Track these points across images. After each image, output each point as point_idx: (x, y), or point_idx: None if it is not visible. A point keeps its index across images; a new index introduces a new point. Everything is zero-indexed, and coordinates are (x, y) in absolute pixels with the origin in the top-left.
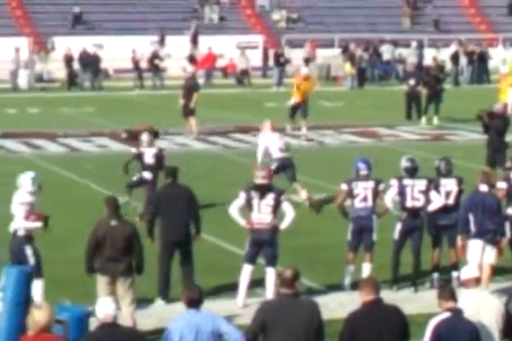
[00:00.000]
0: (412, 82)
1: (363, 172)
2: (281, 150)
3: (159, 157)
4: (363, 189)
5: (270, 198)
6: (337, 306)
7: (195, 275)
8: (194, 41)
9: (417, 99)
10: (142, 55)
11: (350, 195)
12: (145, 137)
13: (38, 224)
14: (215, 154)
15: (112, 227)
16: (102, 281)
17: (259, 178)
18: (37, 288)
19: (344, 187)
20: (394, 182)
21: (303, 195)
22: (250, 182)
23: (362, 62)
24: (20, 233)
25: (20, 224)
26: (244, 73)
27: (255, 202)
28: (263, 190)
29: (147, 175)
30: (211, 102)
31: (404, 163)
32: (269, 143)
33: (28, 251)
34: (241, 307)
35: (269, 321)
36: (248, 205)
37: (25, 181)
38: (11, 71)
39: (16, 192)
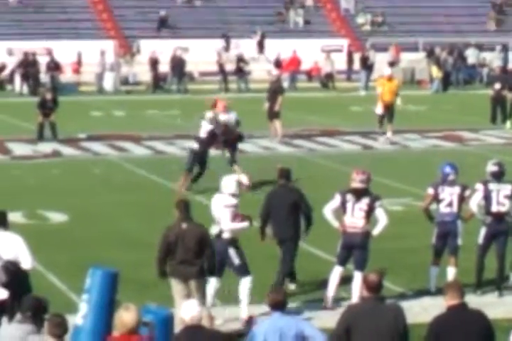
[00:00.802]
0: (497, 85)
1: (450, 177)
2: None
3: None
4: (449, 194)
5: (364, 203)
6: (421, 310)
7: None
8: (260, 46)
9: (503, 103)
10: (227, 58)
11: (436, 199)
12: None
13: (246, 224)
14: (299, 157)
15: (183, 230)
16: (176, 285)
17: (356, 182)
18: (245, 285)
19: (430, 191)
20: (479, 187)
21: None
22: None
23: (447, 66)
24: (226, 235)
25: (228, 226)
26: (329, 77)
27: (349, 205)
28: (358, 194)
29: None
30: (296, 105)
31: (491, 167)
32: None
33: (232, 251)
34: (329, 307)
35: (353, 325)
36: (342, 208)
37: (230, 184)
38: (96, 74)
39: (216, 195)
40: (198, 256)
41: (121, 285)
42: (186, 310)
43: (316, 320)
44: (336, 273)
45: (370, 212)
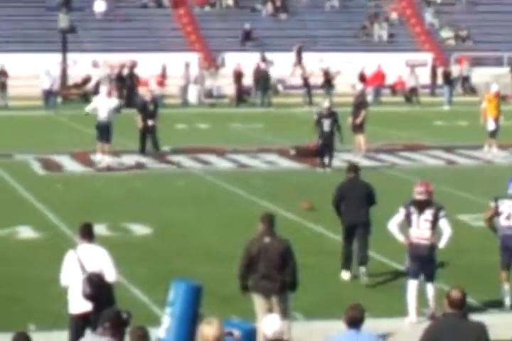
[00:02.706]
0: None
1: (510, 190)
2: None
3: None
4: (508, 207)
5: (429, 213)
6: (505, 328)
7: None
8: (299, 59)
9: None
10: (312, 71)
11: (496, 212)
12: None
13: None
14: (382, 172)
15: (265, 244)
16: (257, 299)
17: (418, 194)
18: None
19: (492, 203)
20: None
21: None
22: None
23: None
24: None
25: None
26: (413, 91)
27: (414, 217)
28: (422, 206)
29: None
30: (379, 120)
31: None
32: (100, 104)
33: None
34: (414, 324)
35: None
36: (407, 220)
37: None
38: (181, 86)
39: None
40: (280, 271)
41: (204, 298)
42: (268, 325)
43: (397, 337)
44: (413, 287)
45: (435, 223)
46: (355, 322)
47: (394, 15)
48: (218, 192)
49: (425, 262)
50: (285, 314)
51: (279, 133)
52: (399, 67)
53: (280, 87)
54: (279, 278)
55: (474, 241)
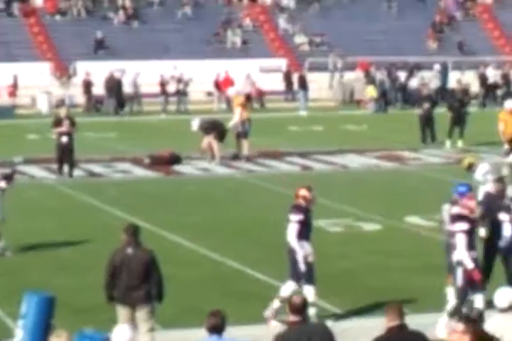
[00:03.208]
0: (426, 105)
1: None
2: None
3: None
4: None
5: None
6: (360, 332)
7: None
8: None
9: (431, 123)
10: (170, 78)
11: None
12: None
13: None
14: (238, 179)
15: (128, 255)
16: (121, 310)
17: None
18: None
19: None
20: None
21: None
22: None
23: (384, 86)
24: None
25: None
26: (249, 97)
27: None
28: None
29: None
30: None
31: None
32: None
33: None
34: None
35: None
36: None
37: None
38: (32, 97)
39: None
40: (144, 282)
41: (57, 310)
42: (117, 335)
43: None
44: None
45: None
46: (215, 329)
47: (247, 22)
48: (72, 202)
49: None
50: (150, 325)
51: (132, 141)
52: (253, 73)
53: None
54: (144, 289)
55: (332, 246)
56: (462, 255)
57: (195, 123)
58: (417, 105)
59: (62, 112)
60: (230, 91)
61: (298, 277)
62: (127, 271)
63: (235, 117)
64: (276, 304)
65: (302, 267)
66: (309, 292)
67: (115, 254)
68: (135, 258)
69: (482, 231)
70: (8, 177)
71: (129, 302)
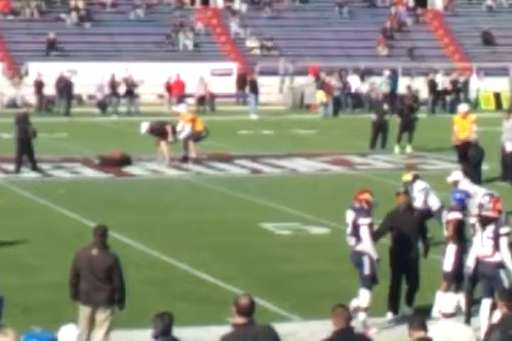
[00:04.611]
0: (381, 110)
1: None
2: None
3: None
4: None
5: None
6: (308, 335)
7: None
8: None
9: (385, 128)
10: (121, 80)
11: None
12: None
13: None
14: (187, 181)
15: (92, 256)
16: (82, 310)
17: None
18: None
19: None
20: None
21: None
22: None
23: (335, 91)
24: None
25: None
26: (203, 99)
27: (478, 234)
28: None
29: None
30: None
31: None
32: None
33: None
34: None
35: None
36: None
37: None
38: None
39: None
40: (106, 284)
41: (5, 309)
42: (63, 335)
43: None
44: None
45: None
46: (163, 331)
47: (199, 25)
48: (23, 202)
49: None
50: (108, 327)
51: (83, 142)
52: (204, 76)
53: (85, 97)
54: (106, 291)
55: (279, 249)
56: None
57: (144, 126)
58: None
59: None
60: (180, 109)
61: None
62: (91, 271)
63: (186, 130)
64: (361, 316)
65: (366, 271)
66: (365, 296)
67: (80, 254)
68: (99, 260)
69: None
70: None
71: (91, 302)
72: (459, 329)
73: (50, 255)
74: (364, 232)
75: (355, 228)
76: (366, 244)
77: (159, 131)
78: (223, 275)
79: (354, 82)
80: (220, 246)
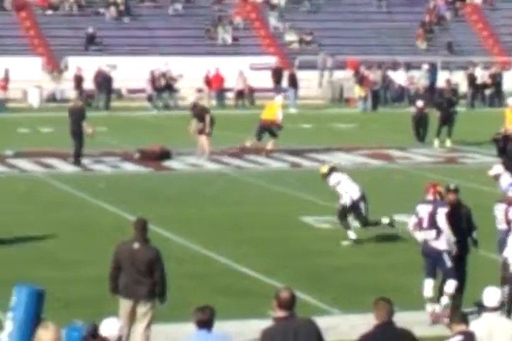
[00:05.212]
0: (419, 104)
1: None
2: None
3: None
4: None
5: None
6: (350, 328)
7: None
8: None
9: (425, 122)
10: (160, 75)
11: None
12: None
13: None
14: (226, 175)
15: (134, 250)
16: (123, 303)
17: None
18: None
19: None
20: None
21: None
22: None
23: (375, 85)
24: None
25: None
26: (241, 93)
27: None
28: None
29: None
30: (223, 123)
31: None
32: None
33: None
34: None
35: None
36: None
37: None
38: (23, 90)
39: None
40: (147, 278)
41: (46, 303)
42: (105, 328)
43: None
44: None
45: None
46: (204, 324)
47: (238, 19)
48: (61, 196)
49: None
50: (149, 321)
51: (123, 136)
52: (244, 70)
53: (124, 91)
54: (147, 285)
55: (319, 243)
56: None
57: None
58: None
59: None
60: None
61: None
62: (132, 265)
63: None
64: (444, 301)
65: (449, 263)
66: (451, 286)
67: (121, 247)
68: (140, 253)
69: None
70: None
71: (131, 296)
72: (501, 323)
73: (90, 249)
74: (443, 221)
75: (433, 220)
76: (446, 232)
77: (199, 114)
78: (263, 269)
79: (399, 77)
80: (259, 240)
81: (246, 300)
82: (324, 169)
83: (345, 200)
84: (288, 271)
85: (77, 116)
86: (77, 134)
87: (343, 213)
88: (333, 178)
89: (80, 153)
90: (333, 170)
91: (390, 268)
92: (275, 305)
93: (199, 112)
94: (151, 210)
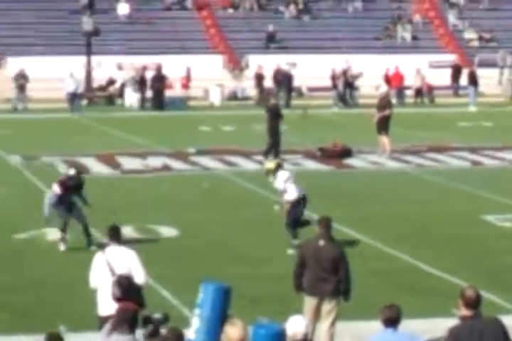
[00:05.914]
0: None
1: None
2: None
3: None
4: None
5: None
6: None
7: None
8: None
9: None
10: (340, 72)
11: None
12: None
13: None
14: (407, 173)
15: (319, 247)
16: (308, 300)
17: None
18: None
19: None
20: None
21: None
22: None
23: None
24: None
25: None
26: (420, 92)
27: None
28: None
29: None
30: (403, 121)
31: None
32: None
33: None
34: None
35: None
36: None
37: None
38: (204, 89)
39: None
40: (332, 275)
41: (233, 299)
42: (291, 325)
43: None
44: None
45: None
46: (391, 322)
47: (417, 17)
48: (244, 193)
49: None
50: (333, 318)
51: (303, 134)
52: (423, 68)
53: (304, 89)
54: (332, 282)
55: (500, 241)
56: None
57: None
58: None
59: None
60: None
61: None
62: (317, 262)
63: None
64: None
65: None
66: None
67: (306, 245)
68: (325, 251)
69: None
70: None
71: (317, 293)
72: None
73: (275, 246)
74: None
75: None
76: None
77: (384, 105)
78: (446, 267)
79: None
80: (442, 238)
81: (431, 298)
82: (271, 165)
83: (293, 196)
84: (470, 270)
85: (273, 114)
86: (272, 132)
87: None
88: (282, 175)
89: (269, 151)
90: (279, 166)
91: None
92: (461, 304)
93: (385, 104)
94: (333, 208)
